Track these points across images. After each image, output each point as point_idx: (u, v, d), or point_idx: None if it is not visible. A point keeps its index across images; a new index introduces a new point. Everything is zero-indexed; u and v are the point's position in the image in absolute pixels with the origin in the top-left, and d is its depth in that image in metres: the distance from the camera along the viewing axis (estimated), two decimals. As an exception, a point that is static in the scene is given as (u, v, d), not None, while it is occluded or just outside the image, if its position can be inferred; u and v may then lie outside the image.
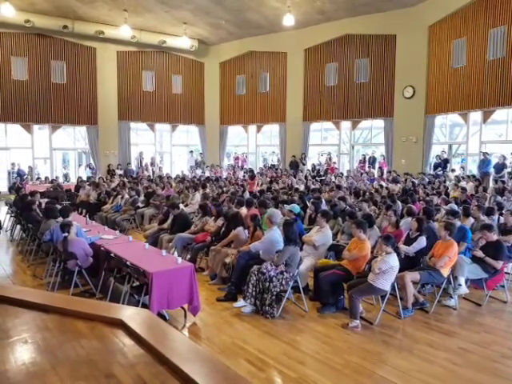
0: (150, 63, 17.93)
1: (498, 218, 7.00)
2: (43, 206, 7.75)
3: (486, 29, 12.19)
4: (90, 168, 16.75)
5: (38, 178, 15.41)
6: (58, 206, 6.93)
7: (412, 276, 4.78)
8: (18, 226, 8.48)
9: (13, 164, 15.57)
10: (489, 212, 6.75)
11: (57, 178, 15.12)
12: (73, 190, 12.11)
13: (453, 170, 13.56)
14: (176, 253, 6.35)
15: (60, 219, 6.18)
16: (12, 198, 10.22)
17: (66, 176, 16.50)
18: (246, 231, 6.06)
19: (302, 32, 16.13)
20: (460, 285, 4.96)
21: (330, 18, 15.17)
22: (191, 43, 17.38)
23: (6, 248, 8.19)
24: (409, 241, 5.42)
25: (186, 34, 16.42)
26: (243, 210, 7.20)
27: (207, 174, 16.80)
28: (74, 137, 17.64)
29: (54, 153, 16.77)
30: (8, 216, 9.70)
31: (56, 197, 10.23)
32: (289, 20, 13.26)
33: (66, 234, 5.21)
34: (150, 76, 17.94)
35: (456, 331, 4.40)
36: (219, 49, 18.63)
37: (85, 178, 14.33)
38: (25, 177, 15.20)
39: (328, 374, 3.48)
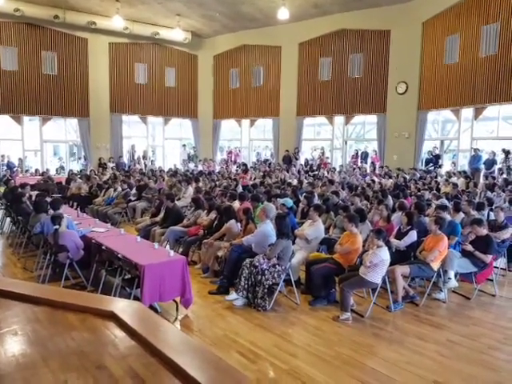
0: (143, 55, 17.73)
1: (488, 213, 7.09)
2: (33, 198, 7.67)
3: (478, 25, 12.24)
4: (84, 159, 16.61)
5: (28, 171, 15.21)
6: (48, 199, 6.85)
7: (402, 270, 4.83)
8: (8, 219, 8.39)
9: (2, 156, 15.35)
10: (479, 207, 6.83)
11: (47, 170, 14.95)
12: (64, 183, 11.99)
13: (440, 166, 13.65)
14: (168, 246, 6.34)
15: (50, 212, 6.12)
16: (1, 190, 10.08)
17: (58, 169, 16.29)
18: (239, 224, 6.07)
19: (296, 26, 16.05)
20: (450, 278, 5.02)
21: (325, 12, 15.11)
22: (184, 35, 17.21)
23: (-5, 241, 8.11)
24: (400, 235, 5.47)
25: (180, 26, 16.25)
26: (236, 204, 7.20)
27: (200, 167, 16.74)
28: (65, 129, 17.42)
29: (44, 145, 16.57)
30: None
31: (46, 189, 10.11)
32: (283, 13, 13.18)
33: (57, 227, 5.17)
34: (142, 68, 17.75)
35: (445, 324, 4.46)
36: (213, 42, 18.48)
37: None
38: (15, 169, 15.01)
39: (319, 366, 3.52)
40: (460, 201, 7.13)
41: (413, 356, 3.73)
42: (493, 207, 7.29)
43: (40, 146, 16.33)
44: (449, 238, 5.29)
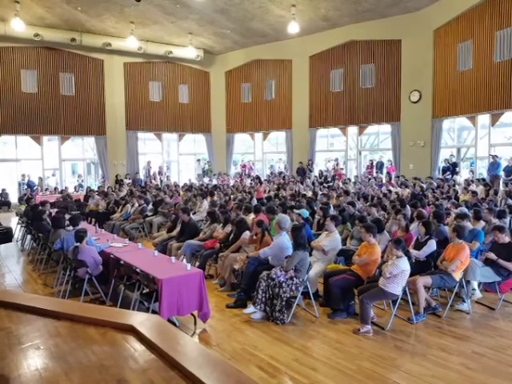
0: (157, 73, 18.14)
1: (510, 221, 6.91)
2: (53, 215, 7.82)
3: (491, 31, 12.14)
4: (101, 176, 16.95)
5: (47, 189, 15.58)
6: (67, 216, 6.99)
7: (424, 280, 4.72)
8: (29, 236, 8.56)
9: (23, 175, 15.78)
10: (500, 215, 6.66)
11: (66, 188, 15.28)
12: (82, 200, 12.21)
13: (457, 173, 13.41)
14: (185, 260, 6.35)
15: (69, 228, 6.24)
16: (22, 208, 10.33)
17: (76, 187, 16.59)
18: (254, 237, 6.06)
19: (306, 39, 16.22)
20: (474, 289, 4.89)
21: (335, 25, 15.24)
22: (197, 53, 17.56)
23: (17, 258, 8.27)
24: (419, 245, 5.37)
25: (192, 44, 16.62)
26: (251, 217, 7.20)
27: (214, 182, 16.85)
28: (82, 147, 17.85)
29: (63, 164, 16.99)
30: (19, 226, 9.80)
31: (65, 207, 10.33)
32: (293, 27, 13.35)
33: (78, 244, 5.25)
34: (156, 86, 18.14)
35: (470, 336, 4.32)
36: (224, 58, 18.80)
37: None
38: (35, 188, 15.38)
39: (340, 380, 3.44)
40: (480, 209, 6.96)
41: (437, 369, 3.61)
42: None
43: (59, 164, 16.74)
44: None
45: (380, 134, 16.55)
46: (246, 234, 5.97)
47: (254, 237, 5.95)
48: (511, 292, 5.29)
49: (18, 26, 12.89)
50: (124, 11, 13.68)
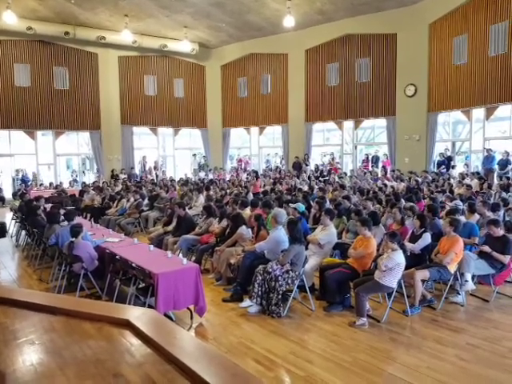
0: (152, 67, 18.00)
1: (504, 214, 6.96)
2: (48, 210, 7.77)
3: (486, 25, 12.16)
4: (97, 171, 16.85)
5: (42, 184, 15.48)
6: (62, 211, 6.95)
7: (422, 274, 4.74)
8: (23, 232, 8.52)
9: (17, 170, 15.65)
10: (494, 208, 6.71)
11: (61, 183, 15.19)
12: (77, 195, 12.15)
13: (453, 167, 13.49)
14: (181, 254, 6.35)
15: (64, 223, 6.21)
16: (17, 203, 10.26)
17: (71, 182, 16.48)
18: (250, 230, 6.07)
19: (302, 33, 16.13)
20: (467, 281, 4.93)
21: (330, 19, 15.17)
22: (192, 47, 17.43)
23: (11, 253, 8.23)
24: (414, 238, 5.40)
25: (187, 38, 16.48)
26: (247, 211, 7.20)
27: (210, 176, 16.82)
28: (77, 142, 17.72)
29: (57, 158, 16.87)
30: (13, 222, 9.74)
31: (60, 202, 10.26)
32: (289, 21, 13.27)
33: (73, 239, 5.23)
34: (151, 80, 18.01)
35: (464, 327, 4.37)
36: (220, 52, 18.68)
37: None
38: (29, 183, 15.28)
39: (336, 372, 3.47)
40: (474, 202, 7.01)
41: (432, 361, 3.65)
42: (510, 207, 7.15)
43: (53, 159, 16.62)
44: (469, 238, 5.23)
45: (375, 128, 16.57)
46: (242, 229, 5.97)
47: (252, 236, 5.95)
48: (505, 284, 5.35)
49: (9, 19, 12.71)
50: (118, 4, 13.54)
